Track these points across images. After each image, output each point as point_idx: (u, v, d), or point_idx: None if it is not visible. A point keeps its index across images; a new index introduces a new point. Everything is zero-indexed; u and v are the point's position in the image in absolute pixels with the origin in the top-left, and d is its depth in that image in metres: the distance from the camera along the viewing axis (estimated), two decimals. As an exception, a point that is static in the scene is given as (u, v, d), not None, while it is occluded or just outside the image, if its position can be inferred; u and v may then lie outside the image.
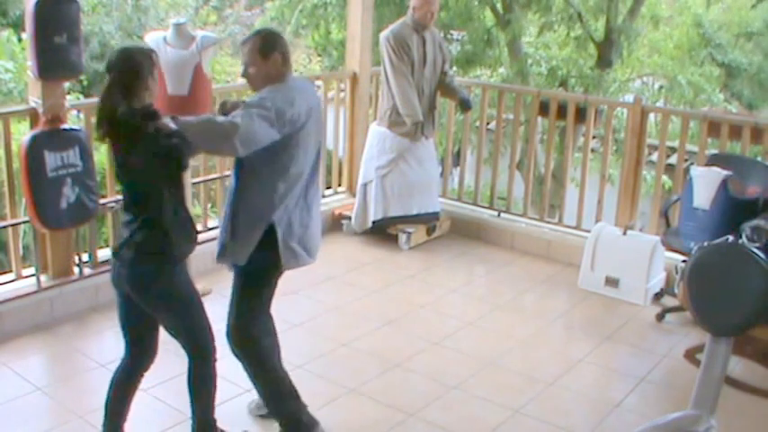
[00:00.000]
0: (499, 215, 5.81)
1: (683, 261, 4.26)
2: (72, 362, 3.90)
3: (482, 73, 10.06)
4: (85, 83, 9.30)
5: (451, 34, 9.81)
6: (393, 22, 5.59)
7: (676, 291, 4.55)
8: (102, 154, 5.37)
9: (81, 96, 8.08)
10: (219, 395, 3.22)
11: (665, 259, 4.79)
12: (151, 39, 4.30)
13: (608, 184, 5.63)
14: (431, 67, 5.34)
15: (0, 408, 3.41)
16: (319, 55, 12.01)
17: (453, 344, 4.18)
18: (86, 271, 4.39)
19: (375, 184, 5.45)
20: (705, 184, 4.16)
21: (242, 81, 3.13)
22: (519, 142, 7.15)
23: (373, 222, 5.51)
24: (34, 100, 4.06)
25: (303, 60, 13.11)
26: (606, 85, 9.32)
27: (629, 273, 4.75)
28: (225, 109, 3.03)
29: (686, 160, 5.34)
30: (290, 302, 4.43)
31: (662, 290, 4.83)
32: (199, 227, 4.99)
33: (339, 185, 6.11)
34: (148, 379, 3.10)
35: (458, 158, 6.89)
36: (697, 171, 4.26)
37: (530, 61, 9.39)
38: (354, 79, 5.91)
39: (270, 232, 2.98)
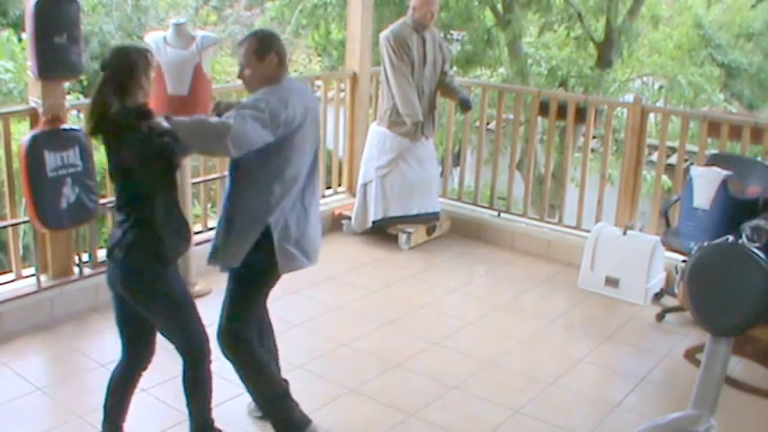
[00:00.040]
0: (499, 215, 5.81)
1: (683, 261, 4.26)
2: (72, 362, 3.90)
3: (482, 73, 10.06)
4: (85, 83, 9.29)
5: (451, 34, 9.81)
6: (393, 22, 5.59)
7: (676, 291, 4.55)
8: (102, 154, 5.29)
9: (81, 96, 8.07)
10: (218, 395, 3.22)
11: (665, 259, 4.79)
12: (151, 39, 4.30)
13: (608, 184, 5.64)
14: (431, 67, 5.34)
15: (0, 408, 3.41)
16: (319, 55, 12.01)
17: (453, 344, 4.18)
18: (86, 271, 4.39)
19: (375, 184, 5.45)
20: (705, 184, 4.16)
21: (241, 81, 3.13)
22: (519, 142, 7.15)
23: (373, 222, 5.51)
24: (34, 100, 4.06)
25: (303, 60, 13.11)
26: (606, 85, 9.32)
27: (629, 273, 4.75)
28: (219, 110, 3.03)
29: (686, 160, 5.34)
30: (290, 302, 4.43)
31: (662, 290, 4.83)
32: (199, 227, 5.06)
33: (339, 185, 6.11)
34: (148, 379, 3.10)
35: (458, 158, 6.89)
36: (697, 171, 4.26)
37: (530, 61, 9.39)
38: (354, 79, 5.91)
39: (266, 235, 2.97)
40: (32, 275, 4.24)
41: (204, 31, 4.53)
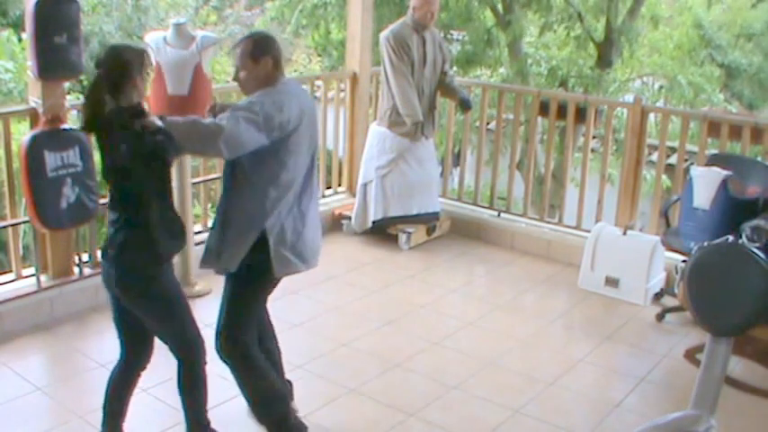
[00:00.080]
0: (499, 215, 5.81)
1: (683, 261, 4.26)
2: (72, 362, 3.90)
3: (482, 73, 10.06)
4: (85, 83, 9.27)
5: (451, 34, 9.81)
6: (393, 22, 5.59)
7: (676, 291, 4.55)
8: (102, 154, 5.36)
9: (81, 96, 8.05)
10: (219, 395, 3.23)
11: (665, 259, 4.79)
12: (151, 39, 4.30)
13: (608, 184, 5.64)
14: (431, 67, 5.34)
15: (0, 408, 3.41)
16: (319, 55, 12.01)
17: (453, 344, 4.18)
18: (86, 271, 4.39)
19: (375, 184, 5.45)
20: (705, 184, 4.16)
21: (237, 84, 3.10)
22: (519, 142, 7.15)
23: (373, 222, 5.51)
24: (34, 100, 4.06)
25: (303, 60, 13.10)
26: (606, 85, 9.32)
27: (629, 273, 4.75)
28: (214, 111, 3.01)
29: (686, 160, 5.35)
30: (290, 302, 4.43)
31: (662, 290, 4.83)
32: (199, 227, 5.06)
33: (339, 185, 6.11)
34: (148, 379, 3.10)
35: (458, 158, 6.89)
36: (697, 171, 4.26)
37: (530, 61, 9.39)
38: (354, 79, 5.91)
39: (262, 239, 2.95)
40: (32, 275, 4.24)
41: (204, 31, 4.53)
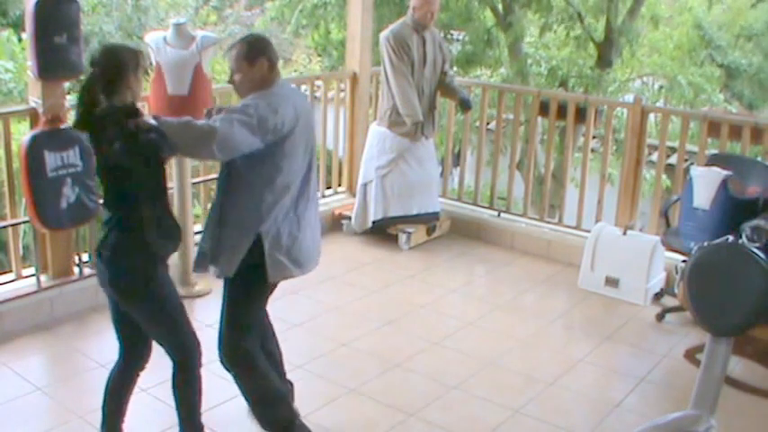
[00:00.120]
0: (499, 215, 5.81)
1: (683, 261, 4.26)
2: (72, 362, 3.90)
3: (482, 73, 10.06)
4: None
5: (451, 34, 9.81)
6: (393, 22, 5.59)
7: (676, 291, 4.55)
8: (102, 154, 5.36)
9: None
10: (219, 395, 3.23)
11: (665, 259, 4.79)
12: (151, 39, 4.30)
13: (608, 184, 5.64)
14: (431, 67, 5.34)
15: (0, 408, 3.41)
16: (319, 55, 12.01)
17: (453, 344, 4.18)
18: (86, 271, 4.39)
19: (375, 184, 5.45)
20: (705, 184, 4.16)
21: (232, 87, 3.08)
22: (519, 142, 7.16)
23: (373, 222, 5.51)
24: (34, 100, 4.06)
25: (303, 60, 13.10)
26: (606, 85, 9.32)
27: (629, 273, 4.75)
28: (211, 115, 3.00)
29: (686, 160, 5.35)
30: (290, 302, 4.43)
31: (662, 290, 4.83)
32: (198, 227, 5.05)
33: (339, 185, 6.11)
34: (148, 379, 3.10)
35: (458, 158, 6.89)
36: (697, 171, 4.26)
37: (530, 61, 9.39)
38: (354, 79, 5.91)
39: (257, 243, 2.93)
40: (32, 275, 4.24)
41: (204, 31, 4.53)
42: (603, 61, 9.40)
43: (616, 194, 5.33)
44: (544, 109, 5.67)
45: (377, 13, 7.05)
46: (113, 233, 2.74)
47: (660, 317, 4.53)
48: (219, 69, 9.82)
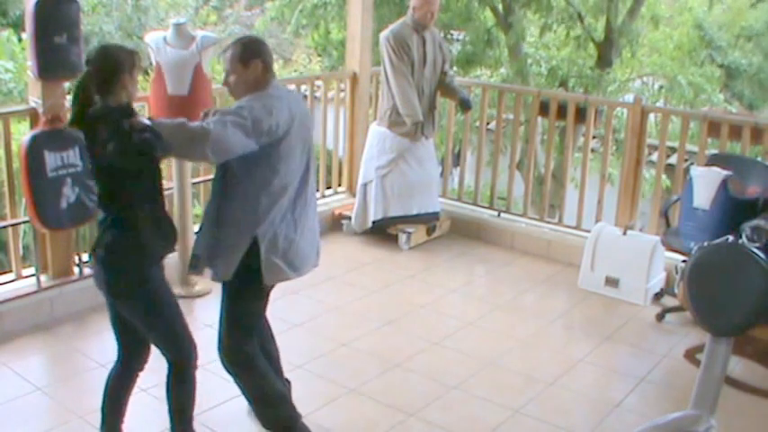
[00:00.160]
0: (499, 215, 5.81)
1: (683, 261, 4.26)
2: (72, 362, 3.90)
3: (482, 73, 10.06)
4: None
5: (451, 34, 9.81)
6: (393, 22, 5.59)
7: (676, 291, 4.55)
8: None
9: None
10: (218, 395, 3.23)
11: (665, 259, 4.79)
12: (151, 39, 4.30)
13: (608, 184, 5.63)
14: (431, 67, 5.34)
15: (0, 408, 3.41)
16: (319, 55, 12.01)
17: (453, 344, 4.18)
18: (86, 271, 4.38)
19: (375, 184, 5.45)
20: (705, 184, 4.16)
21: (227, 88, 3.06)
22: (519, 142, 7.16)
23: (373, 222, 5.51)
24: (34, 100, 4.06)
25: (303, 60, 13.10)
26: (606, 85, 9.32)
27: (629, 273, 4.75)
28: (207, 117, 2.99)
29: (686, 160, 5.35)
30: (290, 302, 4.43)
31: (662, 290, 4.83)
32: (198, 227, 5.04)
33: (339, 185, 6.11)
34: (147, 379, 3.10)
35: (458, 158, 6.89)
36: (697, 171, 4.26)
37: (530, 61, 9.39)
38: (354, 79, 5.91)
39: (254, 246, 2.92)
40: (32, 275, 4.24)
41: (204, 31, 4.53)
42: (603, 61, 9.41)
43: (616, 194, 5.33)
44: (544, 109, 5.67)
45: (377, 13, 7.06)
46: (108, 233, 2.74)
47: (660, 317, 4.53)
48: (219, 69, 9.81)
